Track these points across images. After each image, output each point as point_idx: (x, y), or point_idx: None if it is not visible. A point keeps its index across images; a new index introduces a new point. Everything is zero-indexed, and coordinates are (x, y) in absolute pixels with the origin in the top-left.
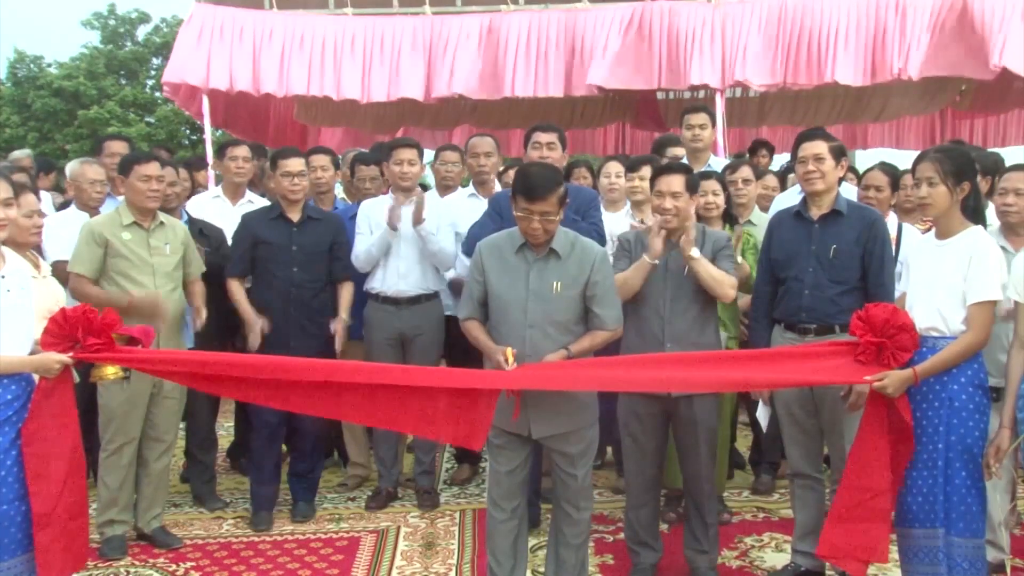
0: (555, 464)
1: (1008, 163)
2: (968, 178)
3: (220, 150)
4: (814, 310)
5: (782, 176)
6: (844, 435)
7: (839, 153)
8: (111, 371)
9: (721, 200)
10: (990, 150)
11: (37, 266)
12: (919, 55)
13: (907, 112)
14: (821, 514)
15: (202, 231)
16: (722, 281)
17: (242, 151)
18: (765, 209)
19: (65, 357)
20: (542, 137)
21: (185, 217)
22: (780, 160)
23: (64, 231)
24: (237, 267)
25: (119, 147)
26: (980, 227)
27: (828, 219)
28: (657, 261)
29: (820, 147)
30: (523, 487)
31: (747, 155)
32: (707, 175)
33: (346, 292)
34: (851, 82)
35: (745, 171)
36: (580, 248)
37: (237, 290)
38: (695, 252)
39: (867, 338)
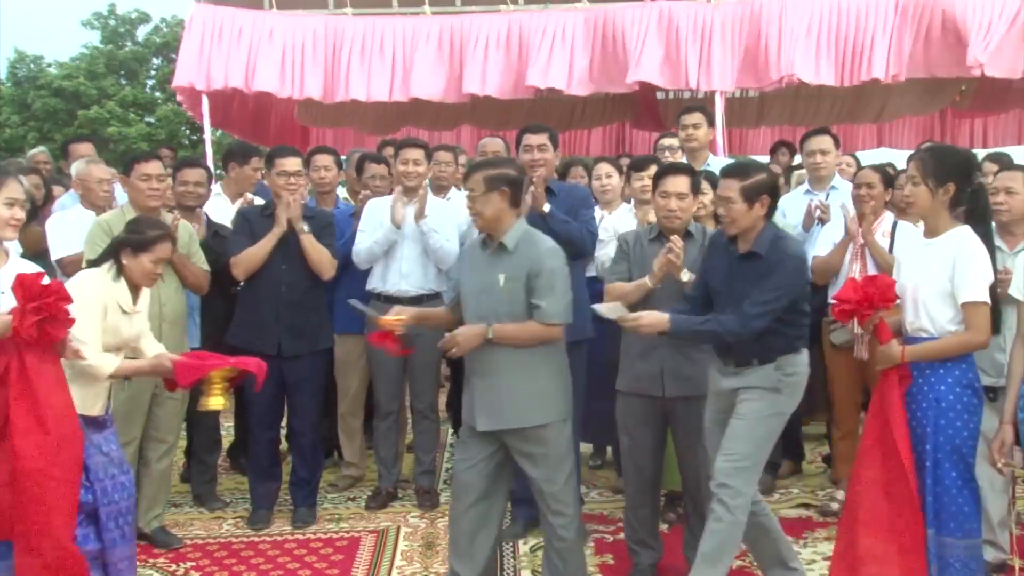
0: (521, 465)
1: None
2: (952, 179)
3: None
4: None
5: (786, 174)
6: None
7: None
8: (216, 402)
9: (709, 199)
10: (991, 150)
11: None
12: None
13: (907, 112)
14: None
15: (217, 233)
16: None
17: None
18: None
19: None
20: (532, 139)
21: (205, 219)
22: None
23: (69, 227)
24: (238, 250)
25: (86, 149)
26: (967, 227)
27: None
28: (659, 286)
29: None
30: (484, 483)
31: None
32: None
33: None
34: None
35: None
36: (530, 241)
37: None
38: (685, 275)
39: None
